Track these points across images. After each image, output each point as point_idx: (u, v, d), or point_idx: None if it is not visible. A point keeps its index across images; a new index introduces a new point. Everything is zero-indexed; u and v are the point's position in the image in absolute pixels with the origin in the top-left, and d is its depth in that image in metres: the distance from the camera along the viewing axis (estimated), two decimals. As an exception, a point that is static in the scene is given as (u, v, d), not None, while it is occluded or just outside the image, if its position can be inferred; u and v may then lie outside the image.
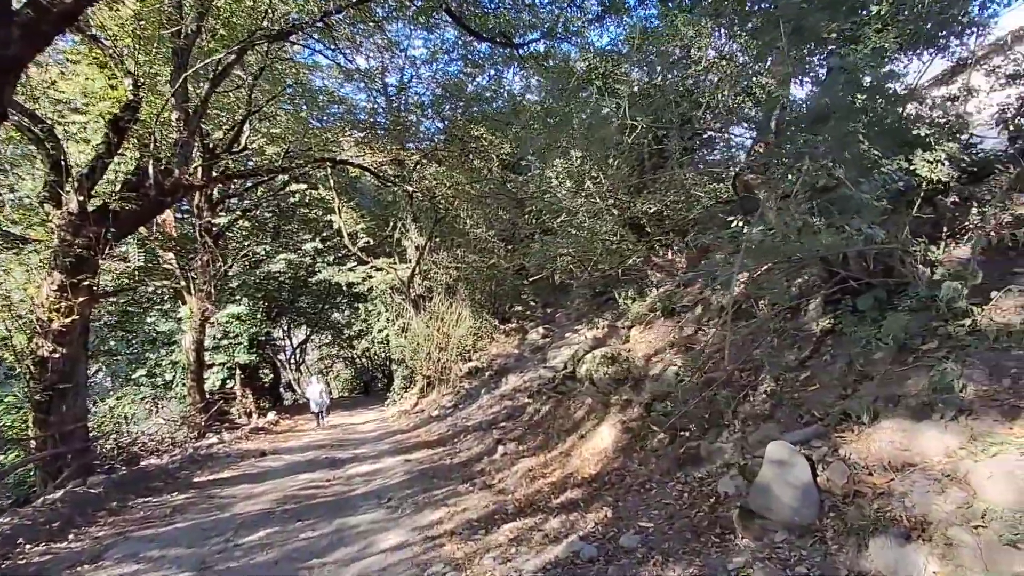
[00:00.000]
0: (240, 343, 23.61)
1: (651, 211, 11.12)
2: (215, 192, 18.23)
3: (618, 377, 8.30)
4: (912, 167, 4.07)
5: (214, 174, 13.64)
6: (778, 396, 5.16)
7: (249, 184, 19.36)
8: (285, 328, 38.01)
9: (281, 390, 37.61)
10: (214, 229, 18.38)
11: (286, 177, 19.46)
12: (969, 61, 5.05)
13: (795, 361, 5.40)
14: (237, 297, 23.84)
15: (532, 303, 24.54)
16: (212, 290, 17.85)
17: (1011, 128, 5.30)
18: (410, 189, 15.51)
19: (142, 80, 10.89)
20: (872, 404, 4.01)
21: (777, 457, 3.76)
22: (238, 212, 20.37)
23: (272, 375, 35.75)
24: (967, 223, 4.87)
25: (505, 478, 8.25)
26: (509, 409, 14.69)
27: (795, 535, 3.54)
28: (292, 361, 38.49)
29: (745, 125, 9.33)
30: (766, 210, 4.32)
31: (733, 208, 9.67)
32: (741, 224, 4.55)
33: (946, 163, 4.04)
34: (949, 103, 4.98)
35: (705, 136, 12.42)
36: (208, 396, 21.65)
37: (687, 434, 5.99)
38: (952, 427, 3.49)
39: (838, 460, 3.74)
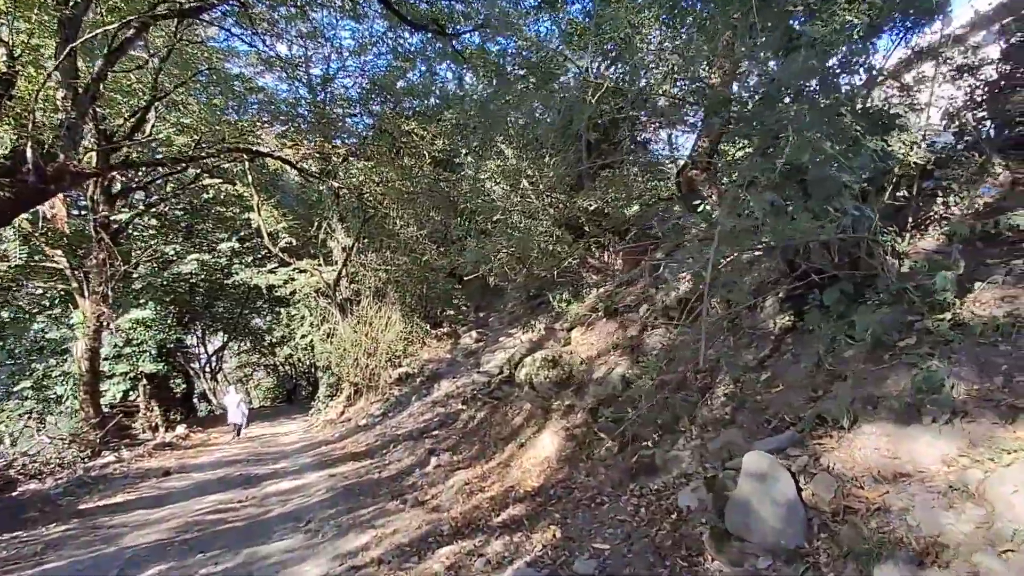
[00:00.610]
0: (145, 351, 21.56)
1: (591, 208, 10.68)
2: (115, 184, 16.44)
3: (559, 381, 7.77)
4: (890, 148, 3.76)
5: (112, 162, 12.16)
6: (739, 399, 4.75)
7: (156, 177, 17.62)
8: (200, 335, 35.51)
9: (195, 401, 35.05)
10: (113, 225, 16.57)
11: (197, 170, 17.84)
12: (926, 50, 4.88)
13: (754, 361, 5.02)
14: (142, 301, 21.77)
15: (464, 307, 23.83)
16: (109, 293, 16.09)
17: (956, 124, 5.16)
18: (335, 185, 14.50)
19: (18, 51, 9.46)
20: (850, 406, 3.64)
21: (756, 470, 3.30)
22: (141, 207, 18.47)
23: (185, 385, 33.25)
24: (931, 213, 4.66)
25: (439, 493, 7.52)
26: (442, 416, 13.93)
27: (781, 560, 3.08)
28: (207, 370, 35.94)
29: (688, 121, 9.05)
30: (733, 195, 3.89)
31: (677, 205, 9.40)
32: (710, 209, 4.17)
33: (923, 145, 3.76)
34: (907, 92, 4.79)
35: (644, 135, 12.23)
36: (107, 410, 19.64)
37: (639, 442, 5.50)
38: (946, 431, 3.13)
39: (822, 471, 3.32)
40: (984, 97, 4.92)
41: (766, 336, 5.22)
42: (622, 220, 11.51)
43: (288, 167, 19.72)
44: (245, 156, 15.24)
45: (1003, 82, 4.86)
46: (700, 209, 4.46)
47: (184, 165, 15.68)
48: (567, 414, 7.31)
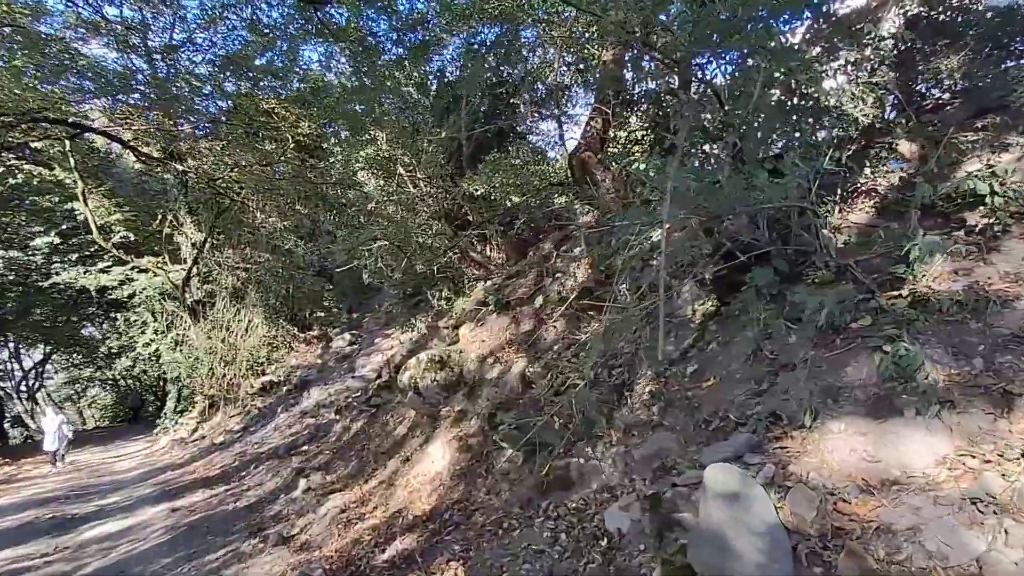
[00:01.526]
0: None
1: (474, 196, 9.81)
2: None
3: (448, 384, 6.82)
4: (842, 108, 3.31)
5: None
6: (665, 397, 4.11)
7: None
8: (12, 348, 29.99)
9: (7, 426, 29.56)
10: None
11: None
12: (836, 22, 4.61)
13: (675, 352, 4.43)
14: (-73, 309, 17.65)
15: (336, 308, 22.03)
16: None
17: (868, 96, 4.97)
18: (180, 169, 12.37)
19: None
20: (808, 400, 3.10)
21: (724, 489, 2.59)
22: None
23: (-7, 409, 27.94)
24: (858, 185, 4.35)
25: (309, 525, 6.26)
26: (312, 429, 12.38)
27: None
28: (24, 389, 30.47)
29: (576, 103, 8.46)
30: (680, 149, 3.24)
31: (564, 193, 8.83)
32: (659, 164, 3.52)
33: (870, 106, 3.34)
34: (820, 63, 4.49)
35: (528, 122, 11.58)
36: None
37: (547, 450, 4.71)
38: (935, 426, 2.65)
39: (797, 483, 2.71)
40: (889, 71, 4.76)
41: (684, 324, 4.67)
42: (506, 210, 10.76)
43: (123, 149, 16.90)
44: (60, 129, 12.61)
45: (905, 56, 4.73)
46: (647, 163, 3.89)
47: None
48: (459, 422, 6.39)
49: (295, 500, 7.34)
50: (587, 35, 7.90)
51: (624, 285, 5.43)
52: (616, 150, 7.49)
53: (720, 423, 3.48)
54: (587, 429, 4.55)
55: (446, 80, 12.78)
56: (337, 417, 11.30)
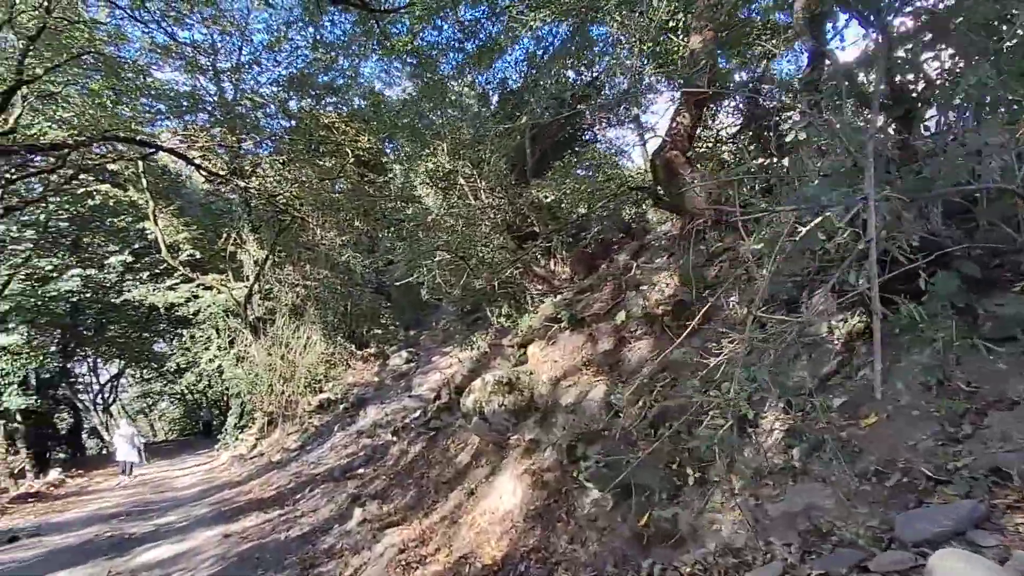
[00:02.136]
0: (11, 384, 18.03)
1: (542, 204, 9.09)
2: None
3: (518, 409, 6.05)
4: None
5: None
6: (807, 437, 3.21)
7: (22, 175, 14.57)
8: (91, 363, 31.21)
9: (84, 437, 30.66)
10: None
11: (73, 170, 14.94)
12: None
13: (811, 380, 3.52)
14: (10, 325, 18.26)
15: (392, 326, 21.70)
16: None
17: None
18: (242, 185, 12.25)
19: None
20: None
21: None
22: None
23: (73, 420, 29.02)
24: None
25: (365, 565, 5.57)
26: (368, 450, 11.84)
27: None
28: (99, 402, 31.58)
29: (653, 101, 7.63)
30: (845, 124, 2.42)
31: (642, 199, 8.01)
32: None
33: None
34: None
35: (599, 128, 10.84)
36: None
37: (644, 495, 3.87)
38: None
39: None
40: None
41: (818, 345, 3.77)
42: (574, 221, 9.99)
43: (191, 168, 17.15)
44: (130, 148, 12.75)
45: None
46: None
47: (58, 160, 12.87)
48: (530, 452, 5.59)
49: (350, 533, 6.69)
50: (671, 22, 7.15)
51: (734, 298, 4.56)
52: (705, 149, 6.64)
53: (904, 478, 2.57)
54: (693, 471, 3.68)
55: (508, 88, 12.23)
56: (394, 439, 10.70)
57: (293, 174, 12.07)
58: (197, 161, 11.85)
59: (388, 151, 17.55)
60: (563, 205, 9.74)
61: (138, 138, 10.63)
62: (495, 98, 12.86)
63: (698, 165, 6.80)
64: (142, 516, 11.29)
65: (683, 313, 4.97)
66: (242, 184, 12.21)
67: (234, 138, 11.58)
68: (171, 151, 11.18)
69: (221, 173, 12.72)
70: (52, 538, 10.15)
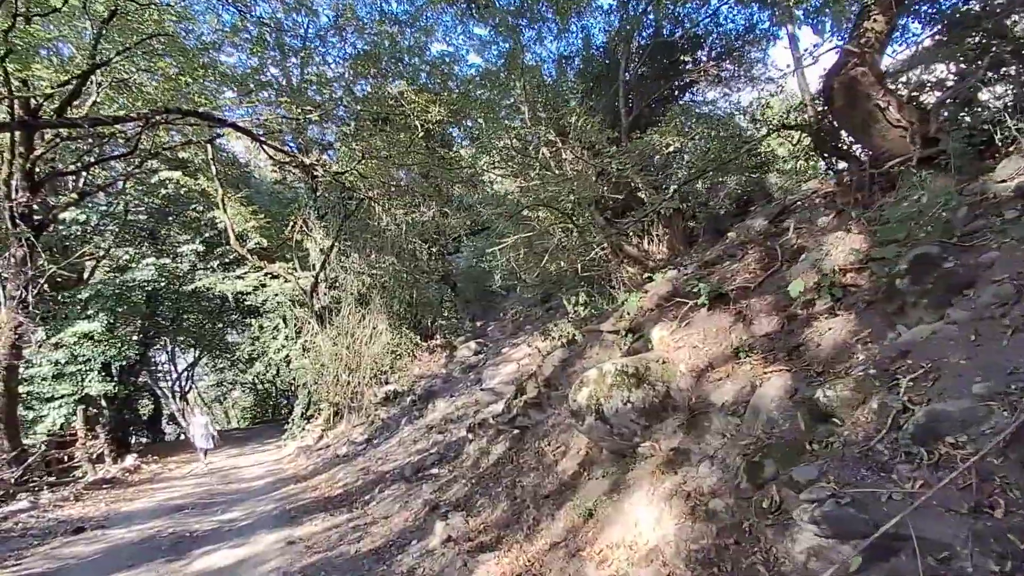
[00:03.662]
0: (91, 370, 17.89)
1: (668, 148, 7.53)
2: (40, 167, 12.98)
3: (650, 408, 4.57)
4: None
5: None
6: None
7: (98, 159, 14.18)
8: (169, 352, 31.68)
9: (165, 424, 31.14)
10: (37, 218, 13.07)
11: (149, 156, 14.42)
12: None
13: None
14: (90, 312, 18.14)
15: (455, 317, 20.53)
16: (30, 298, 12.57)
17: None
18: (307, 161, 11.25)
19: None
20: None
21: None
22: (74, 195, 14.86)
23: (153, 407, 29.47)
24: None
25: (457, 603, 4.27)
26: (441, 447, 10.63)
27: None
28: (177, 389, 32.02)
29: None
30: None
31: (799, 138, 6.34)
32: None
33: None
34: None
35: (707, 77, 9.15)
36: (48, 438, 16.08)
37: (940, 558, 2.33)
38: None
39: None
40: None
41: None
42: (678, 190, 8.39)
43: (259, 157, 16.52)
44: (196, 130, 12.01)
45: None
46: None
47: (132, 139, 12.23)
48: (674, 466, 4.11)
49: (433, 553, 5.40)
50: None
51: (992, 254, 2.97)
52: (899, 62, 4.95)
53: None
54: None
55: (594, 47, 10.69)
56: (470, 436, 9.41)
57: (360, 146, 10.97)
58: (263, 138, 10.87)
59: (456, 134, 16.37)
60: (683, 157, 8.12)
61: (201, 110, 9.72)
62: (577, 61, 11.35)
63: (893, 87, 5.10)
64: (207, 510, 10.47)
65: (927, 275, 3.36)
66: (307, 161, 11.21)
67: (299, 111, 10.59)
68: (234, 126, 10.27)
69: (286, 151, 11.77)
70: (116, 531, 9.41)
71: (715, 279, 5.50)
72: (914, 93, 4.92)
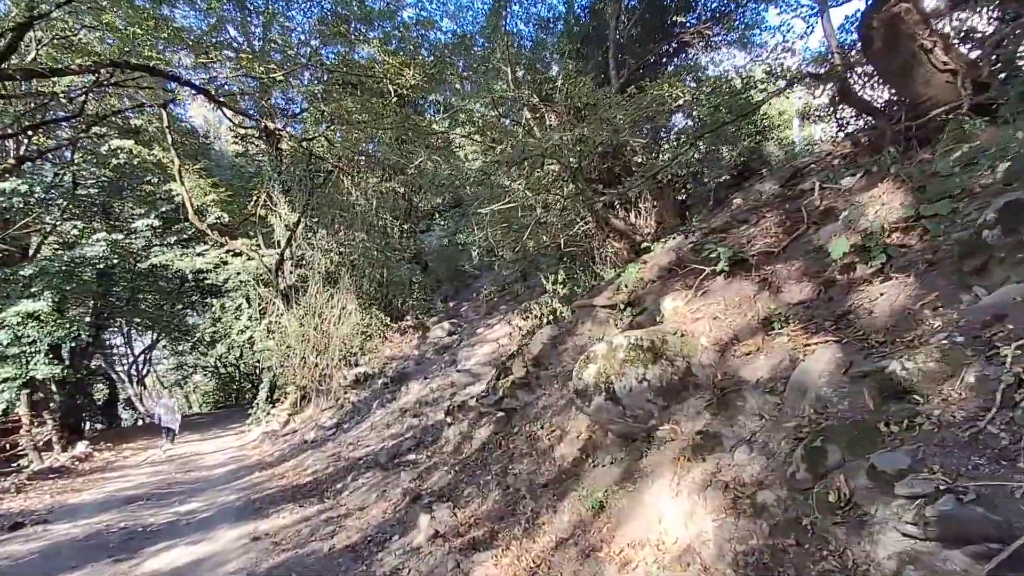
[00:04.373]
0: (37, 351, 16.51)
1: (676, 102, 6.89)
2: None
3: (668, 386, 4.01)
4: None
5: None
6: None
7: (40, 122, 12.79)
8: (125, 333, 29.97)
9: (121, 409, 29.58)
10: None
11: (96, 121, 13.10)
12: None
13: None
14: (35, 290, 16.69)
15: (424, 298, 19.68)
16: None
17: None
18: (271, 126, 10.27)
19: None
20: None
21: None
22: (11, 162, 13.44)
23: (108, 391, 27.94)
24: None
25: (452, 613, 3.65)
26: (417, 432, 9.97)
27: None
28: (134, 373, 30.40)
29: None
30: None
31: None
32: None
33: None
34: None
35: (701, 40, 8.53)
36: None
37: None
38: None
39: None
40: None
41: None
42: (673, 160, 7.80)
43: (219, 128, 15.37)
44: (149, 91, 10.85)
45: None
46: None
47: (78, 102, 10.93)
48: (702, 452, 3.55)
49: (419, 551, 4.76)
50: None
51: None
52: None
53: None
54: None
55: (579, 5, 9.98)
56: (449, 420, 8.77)
57: (330, 108, 10.05)
58: (221, 99, 9.83)
59: (430, 106, 15.45)
60: (684, 119, 7.51)
61: (152, 64, 8.65)
62: (560, 25, 10.62)
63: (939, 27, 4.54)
64: (163, 501, 9.61)
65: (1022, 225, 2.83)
66: (271, 126, 10.22)
67: (262, 69, 9.59)
68: (190, 84, 9.22)
69: (248, 115, 10.73)
70: (59, 526, 8.49)
71: (730, 245, 4.92)
72: (961, 34, 4.42)
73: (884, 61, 4.34)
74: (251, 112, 11.25)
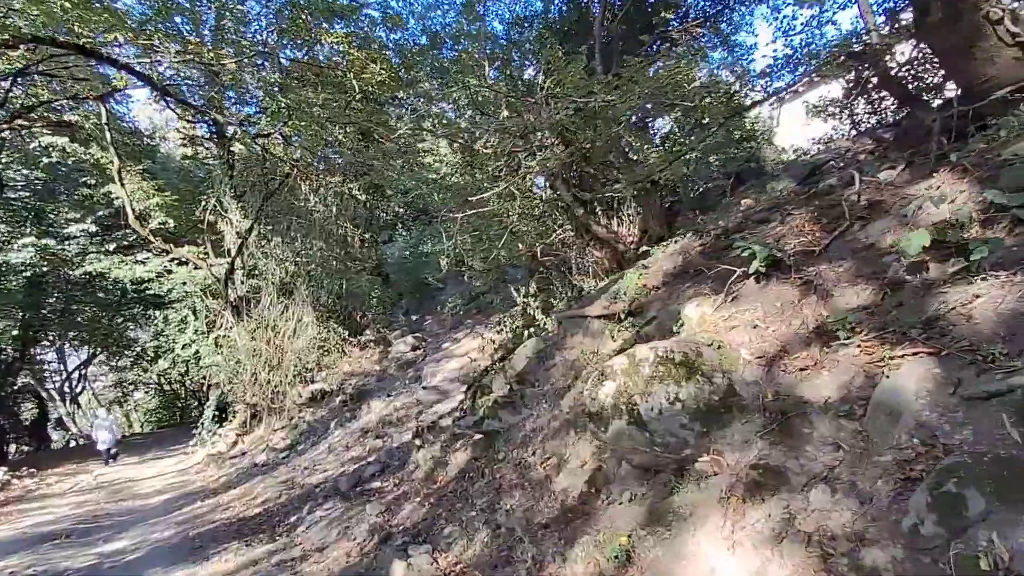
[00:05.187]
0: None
1: (692, 83, 6.22)
2: None
3: (707, 407, 3.27)
4: None
5: None
6: None
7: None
8: (58, 348, 27.40)
9: (51, 429, 26.93)
10: None
11: (19, 108, 11.60)
12: None
13: None
14: (-52, 301, 14.83)
15: (385, 311, 18.58)
16: None
17: None
18: (222, 119, 9.20)
19: None
20: None
21: None
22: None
23: (37, 411, 25.47)
24: None
25: None
26: (381, 455, 8.95)
27: None
28: (67, 391, 27.81)
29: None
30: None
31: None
32: None
33: None
34: None
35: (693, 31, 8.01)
36: None
37: None
38: None
39: None
40: None
41: None
42: (658, 166, 7.20)
43: (166, 129, 14.09)
44: (88, 79, 9.59)
45: None
46: None
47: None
48: (761, 489, 2.81)
49: (395, 612, 3.82)
50: None
51: None
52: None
53: None
54: None
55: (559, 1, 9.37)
56: (417, 442, 7.83)
57: (288, 100, 9.04)
58: (166, 86, 8.69)
59: (396, 110, 14.56)
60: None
61: (84, 44, 7.49)
62: (536, 22, 9.99)
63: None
64: (85, 538, 8.27)
65: None
66: (222, 119, 9.14)
67: (212, 55, 8.51)
68: (129, 68, 8.08)
69: (196, 106, 9.60)
70: (-52, 578, 7.05)
71: (763, 242, 4.26)
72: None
73: (942, 35, 3.81)
74: (201, 104, 10.08)
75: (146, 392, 35.09)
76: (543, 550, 3.79)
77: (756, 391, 3.28)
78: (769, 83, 6.05)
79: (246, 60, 9.21)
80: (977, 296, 2.77)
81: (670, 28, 8.06)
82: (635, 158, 7.83)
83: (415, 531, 5.17)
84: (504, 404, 6.26)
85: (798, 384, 3.15)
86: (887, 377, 2.76)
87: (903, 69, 5.15)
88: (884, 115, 5.80)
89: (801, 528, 2.53)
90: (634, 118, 7.66)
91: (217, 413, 16.74)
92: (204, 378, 18.14)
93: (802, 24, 6.83)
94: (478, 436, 6.38)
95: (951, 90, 4.35)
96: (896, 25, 5.24)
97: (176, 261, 16.33)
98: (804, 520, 2.56)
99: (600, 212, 8.97)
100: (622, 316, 5.40)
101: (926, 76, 5.21)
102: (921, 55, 4.91)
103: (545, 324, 7.08)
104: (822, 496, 2.59)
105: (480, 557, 4.16)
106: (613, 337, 5.55)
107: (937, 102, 4.84)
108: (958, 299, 2.83)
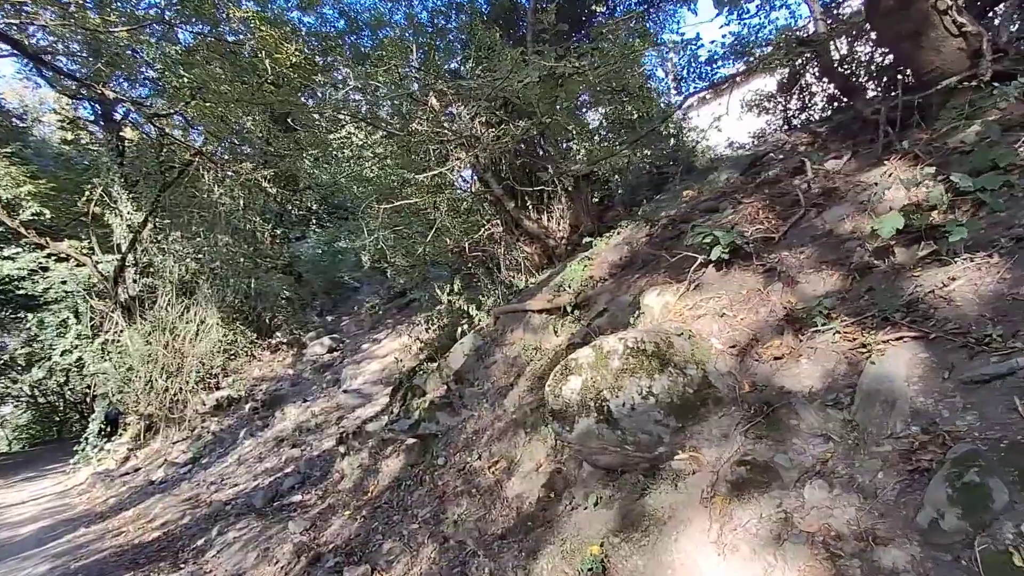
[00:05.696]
0: None
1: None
2: None
3: (683, 401, 3.02)
4: None
5: None
6: None
7: None
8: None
9: None
10: None
11: None
12: None
13: None
14: None
15: (293, 311, 17.32)
16: None
17: None
18: (111, 96, 7.94)
19: None
20: None
21: None
22: None
23: None
24: None
25: None
26: (300, 465, 8.15)
27: None
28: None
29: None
30: None
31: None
32: None
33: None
34: None
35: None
36: None
37: None
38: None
39: None
40: None
41: None
42: (598, 152, 7.02)
43: (40, 109, 12.31)
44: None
45: None
46: None
47: None
48: (749, 487, 2.59)
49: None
50: None
51: None
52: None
53: None
54: None
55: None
56: (341, 449, 7.18)
57: (193, 75, 7.98)
58: (36, 52, 7.38)
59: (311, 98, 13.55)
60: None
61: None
62: (463, 14, 9.54)
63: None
64: (-69, 585, 6.83)
65: None
66: (111, 96, 7.89)
67: (97, 20, 7.29)
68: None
69: (77, 78, 8.26)
70: None
71: (720, 229, 4.09)
72: None
73: (893, 23, 3.82)
74: (85, 76, 8.69)
75: (16, 406, 30.72)
76: (502, 564, 3.39)
77: (731, 382, 3.06)
78: (713, 72, 6.05)
79: (141, 29, 8.03)
80: (953, 279, 2.69)
81: (595, 22, 7.93)
82: (570, 147, 7.58)
83: (348, 549, 4.58)
84: (442, 405, 5.80)
85: (775, 373, 2.97)
86: (872, 363, 2.61)
87: (844, 62, 5.32)
88: (814, 112, 5.97)
89: (802, 528, 2.30)
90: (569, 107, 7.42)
91: (104, 426, 14.77)
92: (88, 387, 15.98)
93: (756, 6, 6.94)
94: (412, 440, 5.86)
95: (892, 82, 4.47)
96: (839, 11, 5.41)
97: (54, 257, 14.27)
98: (803, 519, 2.34)
99: (531, 207, 8.70)
100: (568, 309, 5.11)
101: (864, 69, 5.43)
102: (866, 46, 5.08)
103: (479, 320, 6.66)
104: (818, 492, 2.39)
105: (429, 575, 3.69)
106: (556, 332, 5.26)
107: (871, 94, 5.04)
108: (934, 282, 2.74)
